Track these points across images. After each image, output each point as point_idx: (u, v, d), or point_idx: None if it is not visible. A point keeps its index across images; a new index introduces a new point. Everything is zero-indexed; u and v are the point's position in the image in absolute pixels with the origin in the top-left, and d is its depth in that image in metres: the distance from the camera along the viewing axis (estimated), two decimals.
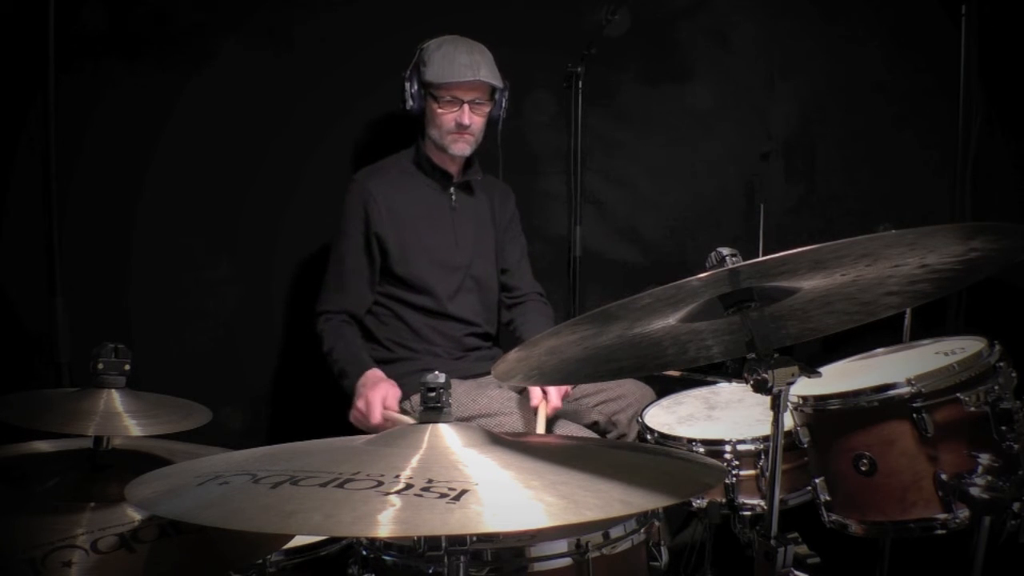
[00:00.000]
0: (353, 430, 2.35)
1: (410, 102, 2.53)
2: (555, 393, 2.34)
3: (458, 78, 2.46)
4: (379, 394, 2.30)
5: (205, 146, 2.68)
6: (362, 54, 2.79)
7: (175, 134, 2.64)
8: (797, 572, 1.41)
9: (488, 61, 2.53)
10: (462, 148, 2.54)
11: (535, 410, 2.33)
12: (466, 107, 2.50)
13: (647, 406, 2.26)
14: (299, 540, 1.62)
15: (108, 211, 2.58)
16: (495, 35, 2.65)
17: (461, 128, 2.51)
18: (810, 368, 1.38)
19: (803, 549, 1.42)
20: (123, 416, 1.45)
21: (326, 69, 2.78)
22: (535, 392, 2.34)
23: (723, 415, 2.18)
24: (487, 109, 2.55)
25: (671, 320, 1.39)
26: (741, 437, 1.97)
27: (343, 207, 2.54)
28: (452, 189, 2.63)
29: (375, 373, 2.39)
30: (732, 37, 3.22)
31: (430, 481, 1.06)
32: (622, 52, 3.01)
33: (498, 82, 2.54)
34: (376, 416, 2.27)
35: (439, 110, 2.51)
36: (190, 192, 2.68)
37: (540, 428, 2.27)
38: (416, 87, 2.52)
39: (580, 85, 2.85)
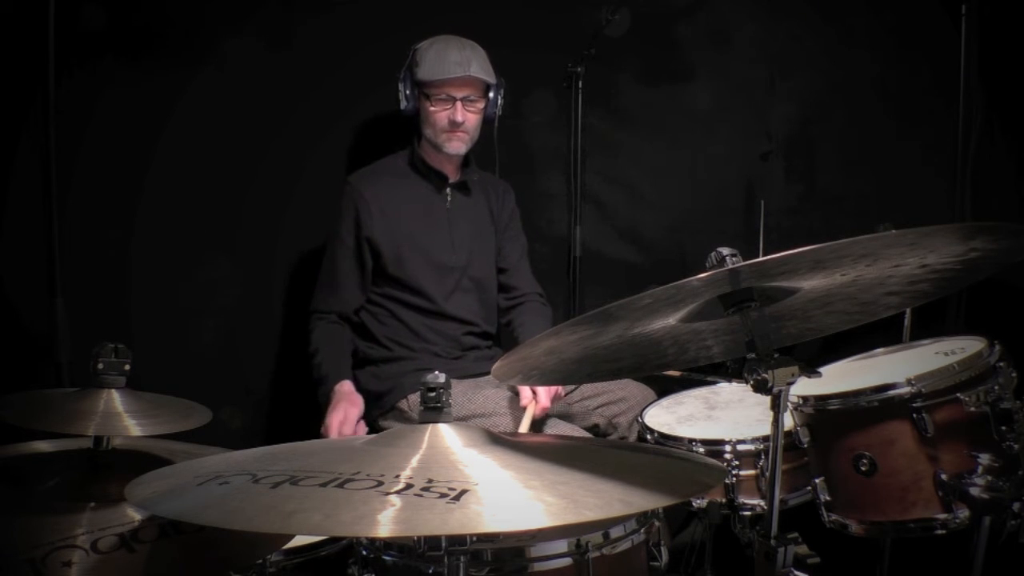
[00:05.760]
0: None
1: (404, 102, 2.53)
2: (544, 394, 2.34)
3: (449, 75, 2.46)
4: (336, 417, 2.32)
5: (205, 146, 2.68)
6: (362, 54, 2.79)
7: (175, 134, 2.64)
8: (797, 572, 1.41)
9: (480, 58, 2.52)
10: (457, 146, 2.54)
11: (524, 410, 2.33)
12: (459, 104, 2.49)
13: (647, 406, 2.26)
14: (299, 540, 1.62)
15: (108, 211, 2.58)
16: (495, 35, 2.65)
17: (454, 126, 2.50)
18: (810, 368, 1.38)
19: (803, 549, 1.42)
20: (123, 416, 1.45)
21: (327, 69, 2.78)
22: (525, 393, 2.34)
23: (723, 415, 2.18)
24: (481, 106, 2.54)
25: (671, 320, 1.39)
26: (741, 437, 1.97)
27: (337, 210, 2.55)
28: (448, 190, 2.63)
29: (341, 388, 2.40)
30: (732, 37, 3.21)
31: (430, 481, 1.07)
32: (622, 52, 3.01)
33: (490, 78, 2.53)
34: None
35: (432, 108, 2.50)
36: (190, 192, 2.68)
37: (524, 429, 2.27)
38: (409, 87, 2.52)
39: (580, 85, 2.85)
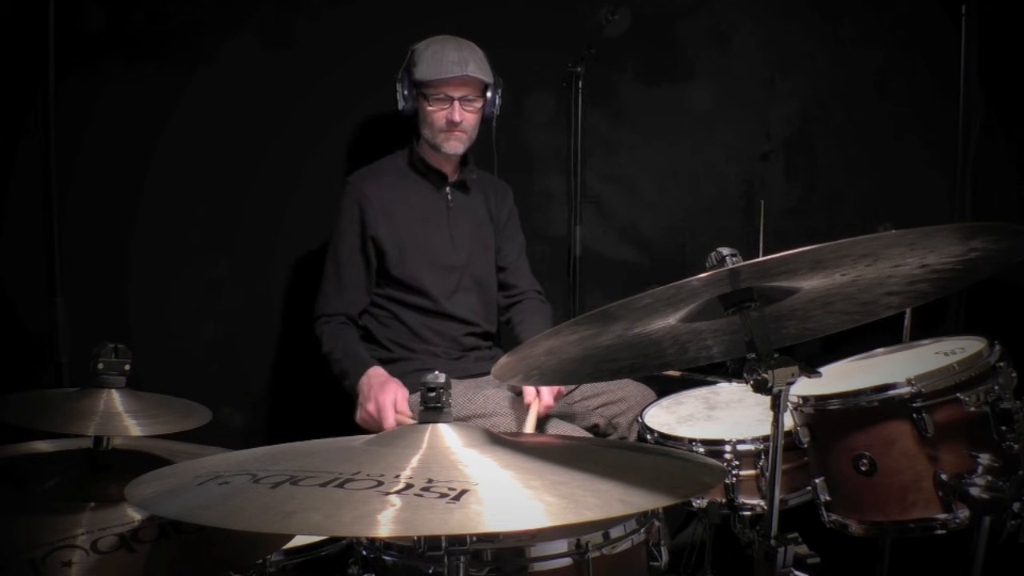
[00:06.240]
0: (354, 430, 2.35)
1: (402, 103, 2.53)
2: (548, 392, 2.34)
3: (446, 74, 2.46)
4: (389, 397, 2.29)
5: (205, 146, 2.68)
6: (362, 54, 2.79)
7: (175, 134, 2.64)
8: (797, 572, 1.41)
9: (478, 58, 2.51)
10: (454, 146, 2.53)
11: (528, 408, 2.33)
12: (456, 104, 2.49)
13: (647, 406, 2.26)
14: (299, 540, 1.62)
15: (108, 211, 2.58)
16: (495, 35, 2.65)
17: (452, 125, 2.50)
18: (810, 368, 1.38)
19: (803, 549, 1.42)
20: (123, 416, 1.45)
21: (326, 69, 2.78)
22: (528, 390, 2.34)
23: (723, 415, 2.18)
24: (478, 106, 2.54)
25: (671, 320, 1.39)
26: (741, 437, 1.97)
27: (338, 210, 2.55)
28: (448, 189, 2.63)
29: (379, 372, 2.39)
30: (732, 37, 3.22)
31: (430, 481, 1.07)
32: (622, 52, 3.01)
33: (487, 77, 2.53)
34: (390, 421, 2.26)
35: (429, 108, 2.50)
36: (190, 192, 2.68)
37: (530, 427, 2.27)
38: (407, 88, 2.52)
39: (580, 85, 2.85)
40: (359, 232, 2.52)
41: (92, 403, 1.46)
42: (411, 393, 2.41)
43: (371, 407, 2.31)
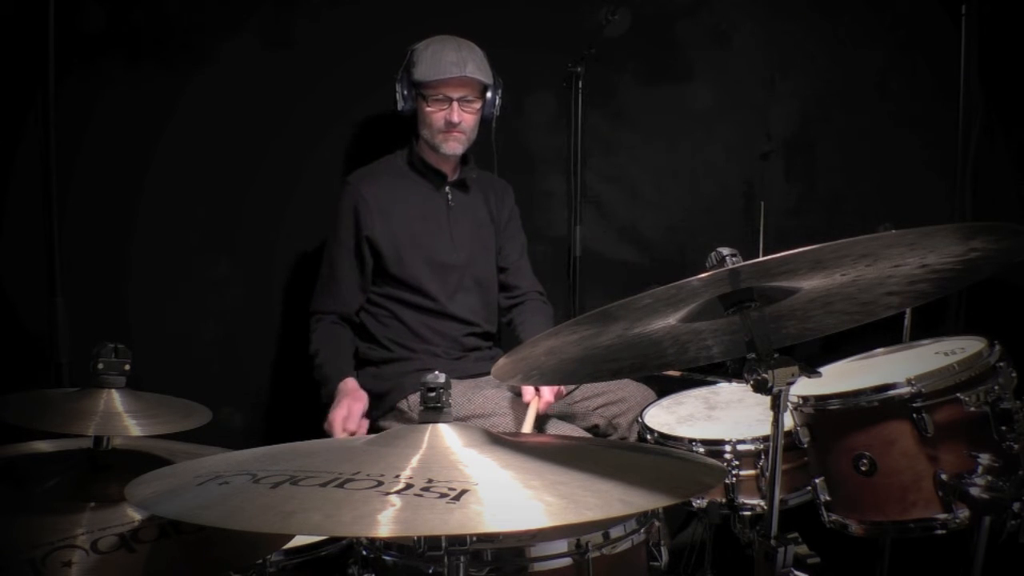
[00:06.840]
0: None
1: (401, 103, 2.53)
2: (548, 390, 2.34)
3: (444, 75, 2.45)
4: (340, 414, 2.32)
5: (205, 146, 2.68)
6: (362, 54, 2.79)
7: (175, 134, 2.64)
8: (797, 572, 1.41)
9: (477, 58, 2.51)
10: (453, 147, 2.53)
11: (527, 406, 2.33)
12: (455, 105, 2.48)
13: (647, 406, 2.26)
14: (299, 540, 1.62)
15: (108, 211, 2.58)
16: (495, 35, 2.64)
17: (451, 126, 2.49)
18: (810, 368, 1.38)
19: (803, 549, 1.42)
20: (123, 416, 1.45)
21: (326, 69, 2.78)
22: (528, 388, 2.35)
23: (723, 415, 2.18)
24: (477, 106, 2.53)
25: (671, 320, 1.40)
26: (741, 437, 1.97)
27: (336, 209, 2.55)
28: (447, 188, 2.63)
29: (345, 385, 2.40)
30: (732, 37, 3.22)
31: (430, 481, 1.07)
32: (622, 52, 3.01)
33: (487, 78, 2.53)
34: (337, 436, 2.30)
35: (428, 109, 2.50)
36: (190, 192, 2.68)
37: (529, 424, 2.27)
38: (406, 88, 2.52)
39: (580, 85, 2.85)
40: (354, 234, 2.52)
41: (92, 403, 1.46)
42: (411, 393, 2.41)
43: (326, 425, 2.34)
